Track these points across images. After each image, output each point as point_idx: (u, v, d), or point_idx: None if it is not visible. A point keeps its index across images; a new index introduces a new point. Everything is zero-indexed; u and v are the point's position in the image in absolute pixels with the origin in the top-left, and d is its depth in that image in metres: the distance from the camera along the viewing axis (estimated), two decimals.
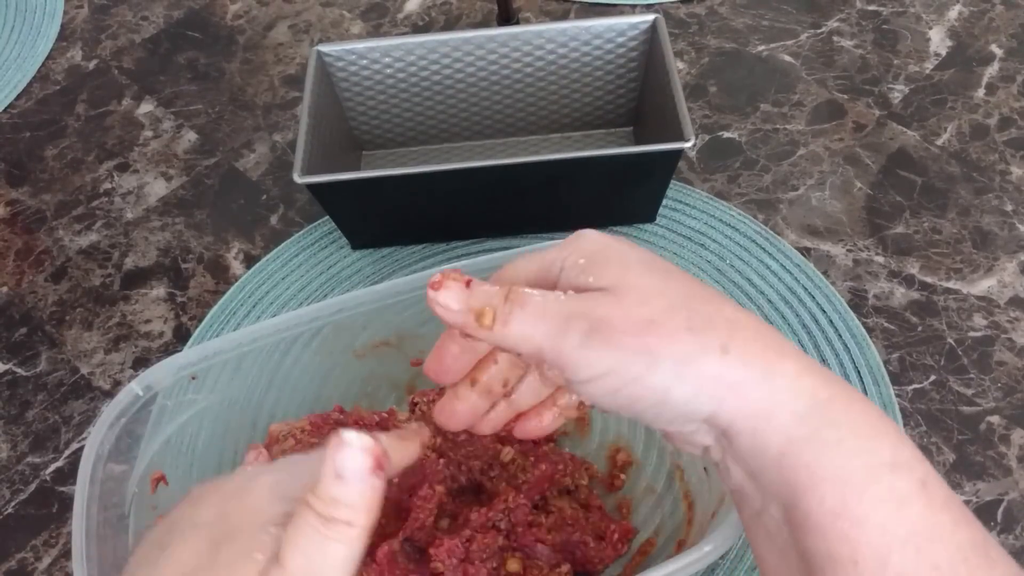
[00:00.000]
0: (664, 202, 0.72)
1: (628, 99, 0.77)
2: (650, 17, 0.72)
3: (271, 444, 0.50)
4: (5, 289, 0.74)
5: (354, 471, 0.26)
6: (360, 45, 0.72)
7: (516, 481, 0.46)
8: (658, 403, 0.30)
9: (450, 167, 0.63)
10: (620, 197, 0.69)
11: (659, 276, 0.31)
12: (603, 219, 0.72)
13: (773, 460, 0.29)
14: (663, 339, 0.29)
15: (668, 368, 0.29)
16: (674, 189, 0.75)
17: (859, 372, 0.63)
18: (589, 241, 0.33)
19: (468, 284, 0.32)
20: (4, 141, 0.86)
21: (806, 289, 0.68)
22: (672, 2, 0.91)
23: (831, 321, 0.66)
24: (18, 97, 0.89)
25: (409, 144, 0.80)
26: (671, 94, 0.66)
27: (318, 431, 0.50)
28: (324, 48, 0.71)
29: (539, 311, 0.30)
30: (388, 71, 0.74)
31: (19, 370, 0.69)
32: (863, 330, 0.65)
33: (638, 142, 0.78)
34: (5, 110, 0.88)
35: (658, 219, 0.73)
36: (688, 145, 0.63)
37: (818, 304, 0.67)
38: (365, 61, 0.73)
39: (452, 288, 0.31)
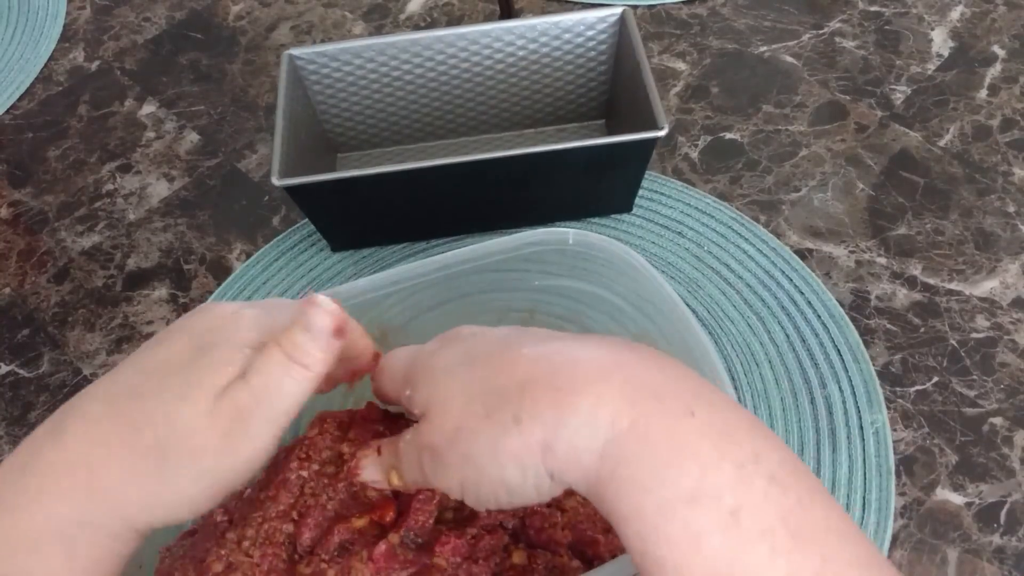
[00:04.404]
0: (640, 192, 0.73)
1: (600, 92, 0.77)
2: (618, 9, 0.72)
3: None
4: (8, 290, 0.74)
5: (319, 329, 0.32)
6: (331, 47, 0.72)
7: None
8: (510, 493, 0.31)
9: (425, 164, 0.63)
10: (596, 189, 0.70)
11: (461, 371, 0.33)
12: (580, 211, 0.73)
13: (596, 502, 0.29)
14: (471, 439, 0.31)
15: (488, 462, 0.30)
16: (649, 179, 0.75)
17: (839, 351, 0.64)
18: (417, 363, 0.35)
19: (379, 451, 0.37)
20: (7, 142, 0.86)
21: (783, 272, 0.69)
22: (674, 3, 0.91)
23: (809, 302, 0.67)
24: (21, 98, 0.89)
25: (383, 145, 0.80)
26: (643, 84, 0.66)
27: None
28: (295, 51, 0.71)
29: (408, 460, 0.35)
30: (360, 72, 0.74)
31: (21, 371, 0.69)
32: (840, 308, 0.66)
33: (611, 134, 0.78)
34: (8, 111, 0.88)
35: (635, 209, 0.73)
36: (662, 133, 0.63)
37: (795, 285, 0.68)
38: (336, 63, 0.73)
39: (368, 463, 0.38)
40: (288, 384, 0.32)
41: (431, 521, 0.42)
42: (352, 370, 0.40)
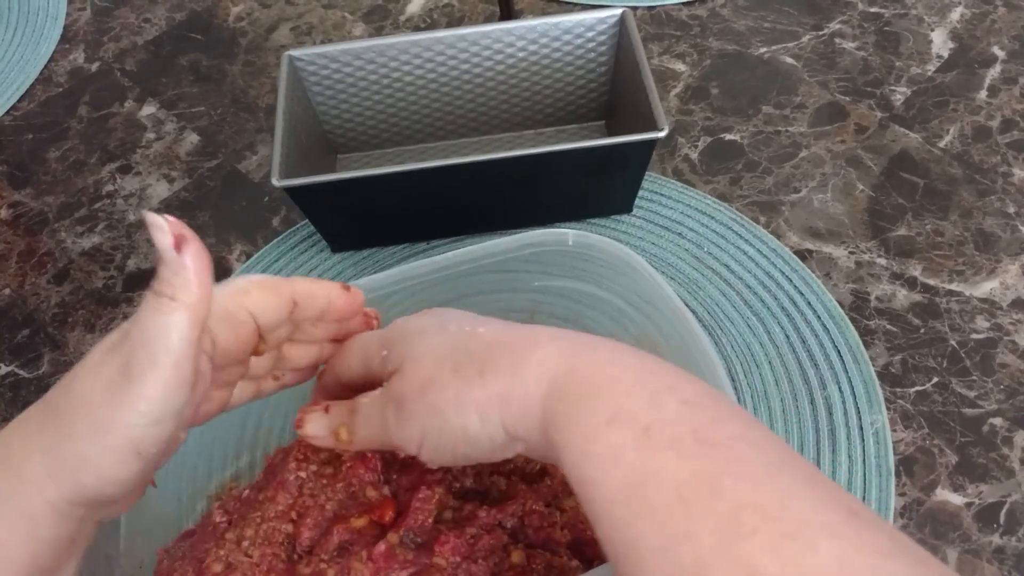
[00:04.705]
0: (640, 193, 0.73)
1: (600, 93, 0.78)
2: (618, 10, 0.72)
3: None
4: (8, 291, 0.74)
5: (161, 249, 0.30)
6: (331, 48, 0.72)
7: (528, 484, 0.46)
8: (467, 442, 0.33)
9: (426, 166, 0.63)
10: (596, 190, 0.70)
11: (435, 334, 0.36)
12: (580, 212, 0.73)
13: (547, 451, 0.32)
14: (439, 390, 0.34)
15: (453, 411, 0.33)
16: (649, 180, 0.75)
17: (839, 352, 0.64)
18: (392, 329, 0.38)
19: (327, 409, 0.38)
20: (7, 143, 0.86)
21: (783, 272, 0.69)
22: (674, 4, 0.91)
23: (809, 303, 0.67)
24: (21, 99, 0.89)
25: (383, 146, 0.80)
26: (643, 85, 0.66)
27: None
28: (295, 53, 0.71)
29: (369, 414, 0.36)
30: (360, 73, 0.74)
31: (21, 372, 0.69)
32: (840, 309, 0.66)
33: (611, 135, 0.78)
34: (8, 112, 0.88)
35: (635, 210, 0.73)
36: (662, 134, 0.63)
37: (795, 286, 0.68)
38: (336, 64, 0.73)
39: (315, 418, 0.38)
40: (158, 320, 0.30)
41: (431, 520, 0.42)
42: (338, 317, 0.40)
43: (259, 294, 0.36)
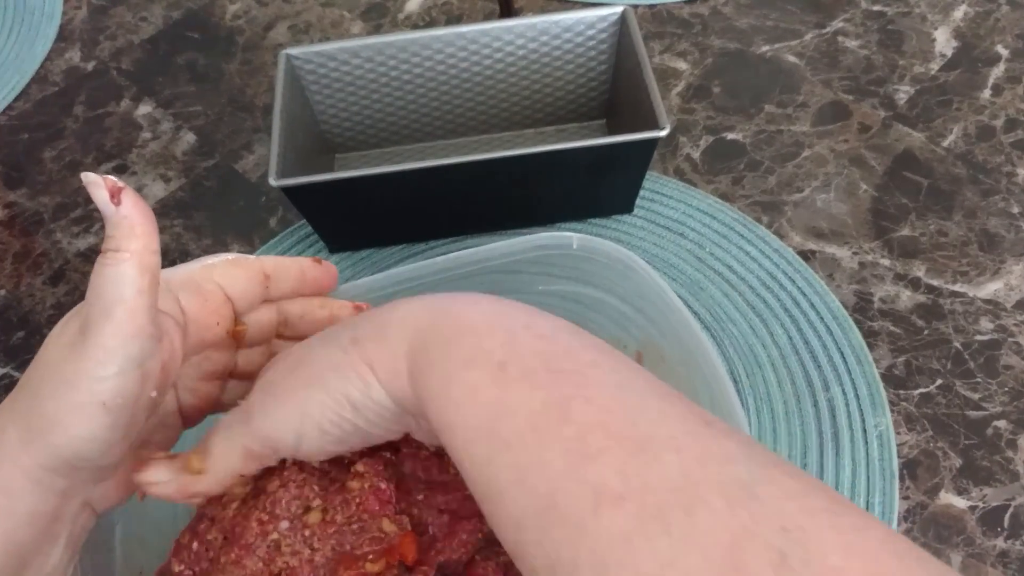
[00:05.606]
0: (641, 193, 0.72)
1: (600, 92, 0.77)
2: (619, 8, 0.71)
3: None
4: (3, 292, 0.74)
5: (101, 204, 0.30)
6: (329, 47, 0.71)
7: None
8: (357, 412, 0.32)
9: (424, 165, 0.63)
10: (597, 189, 0.69)
11: (297, 345, 0.36)
12: (580, 212, 0.72)
13: (420, 414, 0.31)
14: (313, 361, 0.33)
15: (332, 376, 0.32)
16: (651, 179, 0.74)
17: (842, 353, 0.64)
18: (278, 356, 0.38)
19: (170, 457, 0.35)
20: (2, 143, 0.85)
21: (785, 273, 0.68)
22: (676, 2, 0.90)
23: (812, 304, 0.66)
24: (16, 99, 0.89)
25: (382, 145, 0.79)
26: (644, 84, 0.66)
27: None
28: (293, 51, 0.70)
29: (229, 422, 0.34)
30: (358, 72, 0.73)
31: (17, 374, 0.68)
32: (843, 310, 0.66)
33: (612, 134, 0.77)
34: (3, 112, 0.87)
35: (636, 210, 0.73)
36: (663, 133, 0.62)
37: (797, 287, 0.68)
38: (334, 63, 0.72)
39: (156, 463, 0.34)
40: (107, 272, 0.30)
41: (469, 555, 0.38)
42: (316, 290, 0.40)
43: (225, 266, 0.36)
